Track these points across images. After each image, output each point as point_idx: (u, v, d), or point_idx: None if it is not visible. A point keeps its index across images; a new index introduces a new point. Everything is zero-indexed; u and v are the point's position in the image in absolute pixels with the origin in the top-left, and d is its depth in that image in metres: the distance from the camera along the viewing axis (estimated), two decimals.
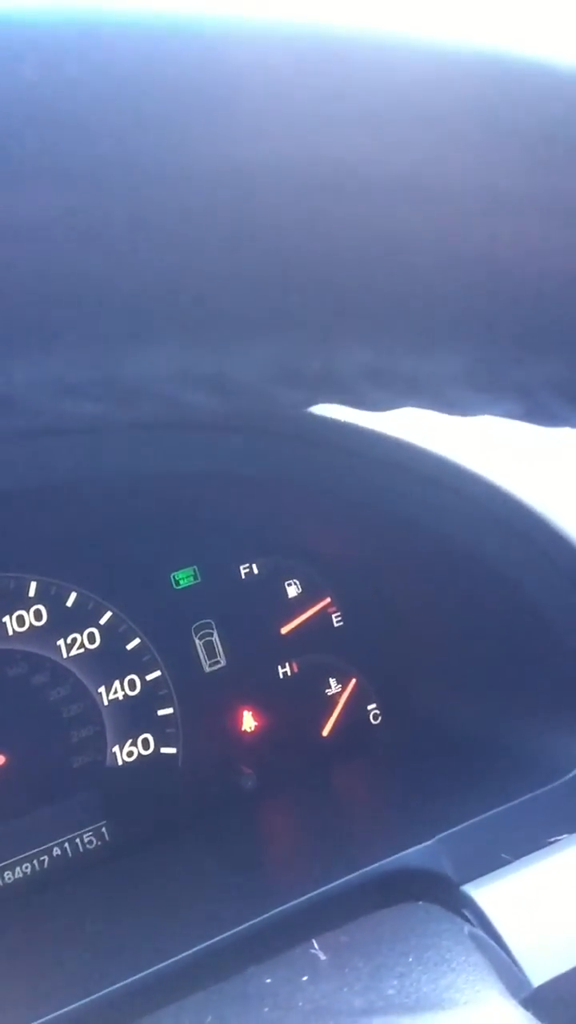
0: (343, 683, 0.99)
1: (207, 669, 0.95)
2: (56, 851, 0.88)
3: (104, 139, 0.18)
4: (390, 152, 0.22)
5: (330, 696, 0.99)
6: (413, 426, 0.74)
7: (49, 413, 0.22)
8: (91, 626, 0.91)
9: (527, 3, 0.26)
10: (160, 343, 0.21)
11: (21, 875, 0.87)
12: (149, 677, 0.92)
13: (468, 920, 0.66)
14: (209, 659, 0.95)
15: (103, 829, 0.90)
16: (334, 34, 0.23)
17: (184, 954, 0.64)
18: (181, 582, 0.95)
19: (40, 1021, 0.61)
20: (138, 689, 0.92)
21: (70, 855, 0.88)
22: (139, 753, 0.92)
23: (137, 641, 0.92)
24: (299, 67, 0.20)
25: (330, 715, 0.99)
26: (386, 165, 0.21)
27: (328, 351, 0.22)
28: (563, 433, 0.27)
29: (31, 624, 0.89)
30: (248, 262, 0.20)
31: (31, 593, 0.89)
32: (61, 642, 0.90)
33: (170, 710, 0.93)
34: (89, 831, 0.89)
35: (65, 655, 0.90)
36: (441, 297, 0.21)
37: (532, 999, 0.60)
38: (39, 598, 0.90)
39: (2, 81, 0.18)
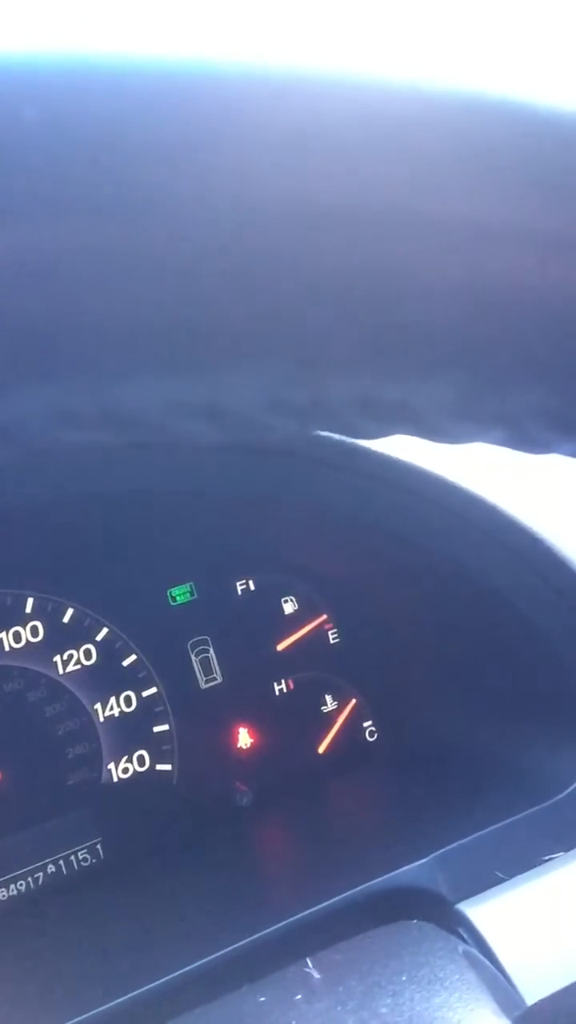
0: (339, 700, 1.00)
1: (203, 686, 0.95)
2: (51, 868, 0.88)
3: (101, 177, 0.19)
4: (378, 187, 0.22)
5: (326, 713, 0.99)
6: (411, 445, 0.75)
7: (45, 441, 0.22)
8: (87, 642, 0.91)
9: (521, 41, 0.27)
10: (153, 375, 0.21)
11: (15, 892, 0.87)
12: (145, 694, 0.93)
13: (462, 938, 0.66)
14: (205, 675, 0.95)
15: (98, 846, 0.90)
16: (323, 69, 0.23)
17: (178, 972, 0.64)
18: (178, 598, 0.95)
19: None
20: (134, 706, 0.92)
21: (64, 873, 0.88)
22: (134, 770, 0.92)
23: (133, 657, 0.92)
24: (291, 105, 0.21)
25: (326, 732, 0.99)
26: (375, 199, 0.22)
27: (318, 382, 0.22)
28: (550, 459, 0.28)
29: (27, 640, 0.89)
30: (238, 296, 0.21)
31: (28, 609, 0.90)
32: (57, 658, 0.90)
33: (166, 727, 0.93)
34: (84, 848, 0.89)
35: (61, 671, 0.90)
36: (429, 329, 0.22)
37: (525, 1018, 0.60)
38: (36, 614, 0.90)
39: (3, 121, 0.18)
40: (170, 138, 0.20)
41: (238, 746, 0.96)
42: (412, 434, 0.25)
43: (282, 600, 0.99)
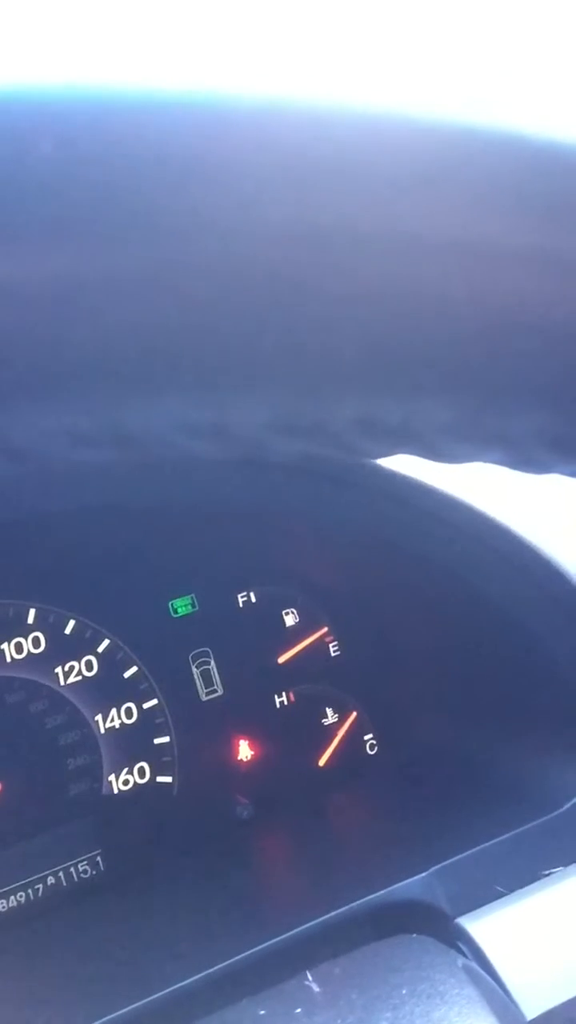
0: (339, 713, 1.00)
1: (204, 698, 0.95)
2: (51, 880, 0.88)
3: (112, 205, 0.20)
4: (380, 212, 0.23)
5: (326, 726, 0.99)
6: (412, 460, 0.75)
7: (55, 459, 0.23)
8: (89, 654, 0.91)
9: (518, 68, 0.28)
10: (161, 397, 0.22)
11: (15, 904, 0.87)
12: (146, 705, 0.93)
13: (462, 952, 0.66)
14: (206, 688, 0.95)
15: (98, 858, 0.90)
16: (325, 97, 0.24)
17: (178, 985, 0.64)
18: (179, 610, 0.95)
19: None
20: (135, 717, 0.92)
21: (64, 884, 0.88)
22: (135, 782, 0.92)
23: (134, 669, 0.93)
24: (295, 135, 0.22)
25: (326, 745, 0.99)
26: (376, 224, 0.22)
27: (320, 404, 0.23)
28: (550, 479, 0.28)
29: (29, 651, 0.90)
30: (242, 321, 0.21)
31: (30, 620, 0.90)
32: (59, 670, 0.90)
33: (166, 739, 0.93)
34: (84, 860, 0.89)
35: (63, 683, 0.90)
36: (430, 352, 0.22)
37: None
38: (38, 625, 0.90)
39: (18, 154, 0.19)
40: (179, 166, 0.21)
41: (239, 758, 0.96)
42: (412, 454, 0.26)
43: (283, 612, 0.99)
